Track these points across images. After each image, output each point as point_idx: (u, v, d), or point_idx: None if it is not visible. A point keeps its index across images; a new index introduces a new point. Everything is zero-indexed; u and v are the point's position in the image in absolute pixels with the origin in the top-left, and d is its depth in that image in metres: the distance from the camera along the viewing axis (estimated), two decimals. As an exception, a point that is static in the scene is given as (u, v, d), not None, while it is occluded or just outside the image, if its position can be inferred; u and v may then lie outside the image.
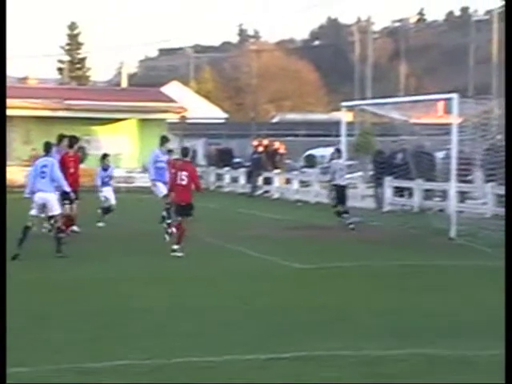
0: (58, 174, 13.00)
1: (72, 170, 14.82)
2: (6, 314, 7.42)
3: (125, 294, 9.87)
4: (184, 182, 13.27)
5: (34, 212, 12.79)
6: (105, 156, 18.08)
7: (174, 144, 40.60)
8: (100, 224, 17.15)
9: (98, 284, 10.48)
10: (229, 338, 7.59)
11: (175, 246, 13.14)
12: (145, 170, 17.34)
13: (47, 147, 13.30)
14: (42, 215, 13.12)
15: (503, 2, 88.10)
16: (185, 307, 9.06)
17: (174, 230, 13.94)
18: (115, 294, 9.80)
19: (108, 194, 17.65)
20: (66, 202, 14.27)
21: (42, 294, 9.73)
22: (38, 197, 12.69)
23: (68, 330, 7.83)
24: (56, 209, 12.88)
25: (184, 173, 13.30)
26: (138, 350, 7.06)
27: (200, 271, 11.80)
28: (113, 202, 17.45)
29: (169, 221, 15.18)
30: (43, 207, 12.78)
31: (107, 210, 17.53)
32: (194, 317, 8.59)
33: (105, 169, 17.87)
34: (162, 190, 15.87)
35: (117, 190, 25.09)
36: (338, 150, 18.82)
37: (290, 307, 9.12)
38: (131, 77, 75.11)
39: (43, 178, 12.75)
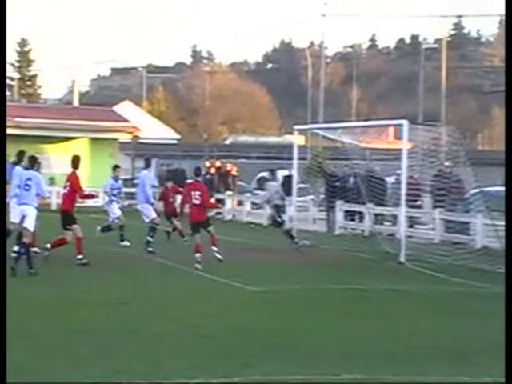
0: (41, 186, 13.35)
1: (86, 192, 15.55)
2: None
3: (72, 316, 9.70)
4: (198, 202, 14.42)
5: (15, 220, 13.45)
6: (116, 167, 18.20)
7: (126, 164, 40.25)
8: (125, 243, 17.23)
9: (46, 305, 10.31)
10: (179, 362, 7.53)
11: (217, 254, 14.56)
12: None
13: (32, 161, 13.63)
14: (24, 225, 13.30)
15: (452, 32, 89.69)
16: (133, 330, 8.96)
17: (198, 254, 14.38)
18: (62, 316, 9.64)
19: (115, 210, 17.48)
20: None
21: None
22: (21, 209, 13.12)
23: (13, 352, 7.66)
24: (31, 224, 13.08)
25: (197, 192, 14.42)
26: (84, 372, 6.96)
27: (151, 293, 11.70)
28: (117, 216, 17.32)
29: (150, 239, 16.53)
30: (23, 219, 13.12)
31: (108, 227, 17.44)
32: (143, 339, 8.50)
33: (116, 180, 17.82)
34: (154, 214, 17.01)
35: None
36: (273, 173, 19.60)
37: (241, 330, 9.10)
38: (83, 95, 74.50)
39: (27, 190, 13.12)
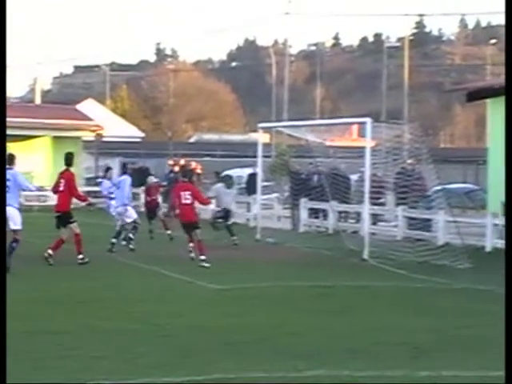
0: (23, 181, 13.26)
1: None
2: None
3: (32, 315, 9.63)
4: (188, 201, 14.68)
5: None
6: (108, 169, 18.13)
7: (89, 162, 39.75)
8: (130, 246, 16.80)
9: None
10: (143, 361, 7.50)
11: (202, 257, 14.29)
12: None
13: (10, 159, 13.33)
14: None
15: (414, 31, 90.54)
16: (95, 329, 8.90)
17: (191, 245, 14.94)
18: (22, 316, 9.53)
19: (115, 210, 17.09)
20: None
21: None
22: None
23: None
24: (18, 224, 12.87)
25: (187, 192, 14.70)
26: (47, 373, 6.89)
27: (113, 292, 11.63)
28: (131, 219, 16.82)
29: (130, 235, 16.64)
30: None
31: (135, 227, 16.96)
32: (105, 339, 8.45)
33: (109, 178, 17.68)
34: (133, 214, 16.97)
35: (29, 209, 24.58)
36: (218, 174, 20.10)
37: (204, 328, 9.10)
38: (45, 93, 73.69)
39: (7, 192, 12.73)
